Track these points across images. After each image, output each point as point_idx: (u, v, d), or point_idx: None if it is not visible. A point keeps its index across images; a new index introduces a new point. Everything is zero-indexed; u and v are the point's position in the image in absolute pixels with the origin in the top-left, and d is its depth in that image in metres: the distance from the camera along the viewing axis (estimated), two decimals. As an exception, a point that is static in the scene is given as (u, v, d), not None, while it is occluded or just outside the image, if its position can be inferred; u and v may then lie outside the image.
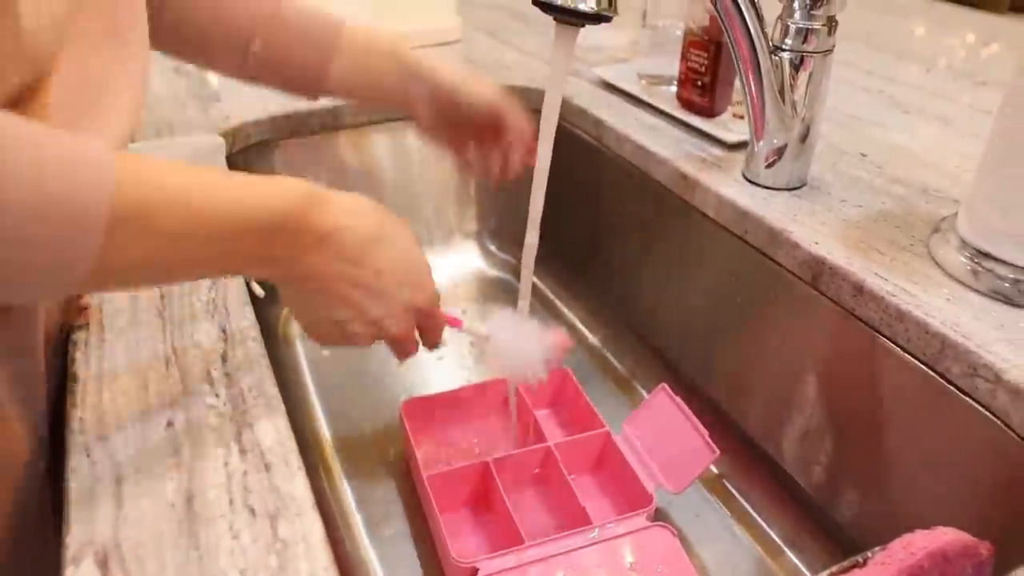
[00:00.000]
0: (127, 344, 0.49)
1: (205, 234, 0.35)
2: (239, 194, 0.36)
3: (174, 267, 0.36)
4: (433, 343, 0.50)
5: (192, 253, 0.35)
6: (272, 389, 0.46)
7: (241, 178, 0.38)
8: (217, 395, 0.45)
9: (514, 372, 0.55)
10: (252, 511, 0.38)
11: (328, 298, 0.42)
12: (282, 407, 0.45)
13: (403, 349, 0.48)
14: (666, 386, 0.65)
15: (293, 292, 0.43)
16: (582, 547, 0.55)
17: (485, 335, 0.55)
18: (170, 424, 0.43)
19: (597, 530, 0.56)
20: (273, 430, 0.43)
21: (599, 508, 0.63)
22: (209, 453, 0.41)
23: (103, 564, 0.35)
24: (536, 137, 0.53)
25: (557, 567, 0.53)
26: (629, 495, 0.63)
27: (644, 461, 0.63)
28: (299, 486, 0.39)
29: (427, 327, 0.49)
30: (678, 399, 0.63)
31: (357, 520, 0.64)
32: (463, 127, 0.64)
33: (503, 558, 0.53)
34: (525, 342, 0.55)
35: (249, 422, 0.43)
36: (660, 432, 0.64)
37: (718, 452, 0.59)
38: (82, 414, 0.44)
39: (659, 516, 0.63)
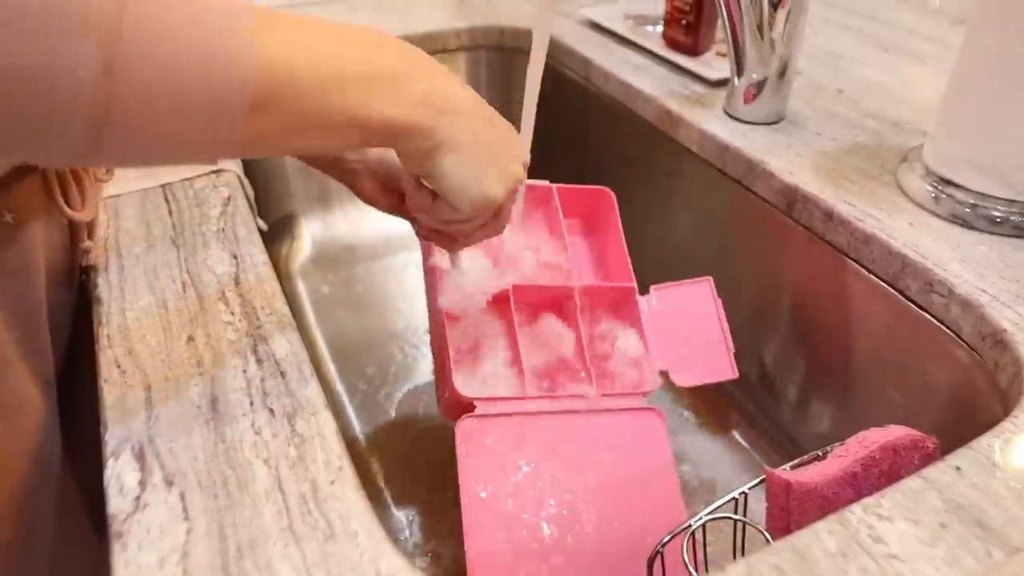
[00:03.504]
0: (144, 269, 0.53)
1: (332, 41, 0.36)
2: (365, 99, 0.37)
3: (312, 142, 0.38)
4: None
5: (325, 136, 0.37)
6: (283, 308, 0.49)
7: (368, 73, 0.37)
8: (232, 313, 0.49)
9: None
10: (271, 411, 0.42)
11: (482, 123, 0.42)
12: (293, 323, 0.48)
13: (504, 216, 0.49)
14: (711, 280, 0.63)
15: (456, 131, 0.41)
16: (576, 412, 0.55)
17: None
18: (191, 339, 0.47)
19: (593, 399, 0.56)
20: (286, 343, 0.47)
21: (600, 371, 0.60)
22: (228, 363, 0.45)
23: (140, 456, 0.39)
24: None
25: (550, 427, 0.54)
26: (629, 365, 0.60)
27: (658, 337, 0.61)
28: (312, 390, 0.43)
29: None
30: (719, 301, 0.62)
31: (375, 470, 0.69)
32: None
33: (502, 403, 0.54)
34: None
35: (264, 336, 0.47)
36: (685, 320, 0.62)
37: (737, 375, 0.60)
38: (108, 331, 0.48)
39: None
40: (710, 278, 0.62)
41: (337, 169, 0.60)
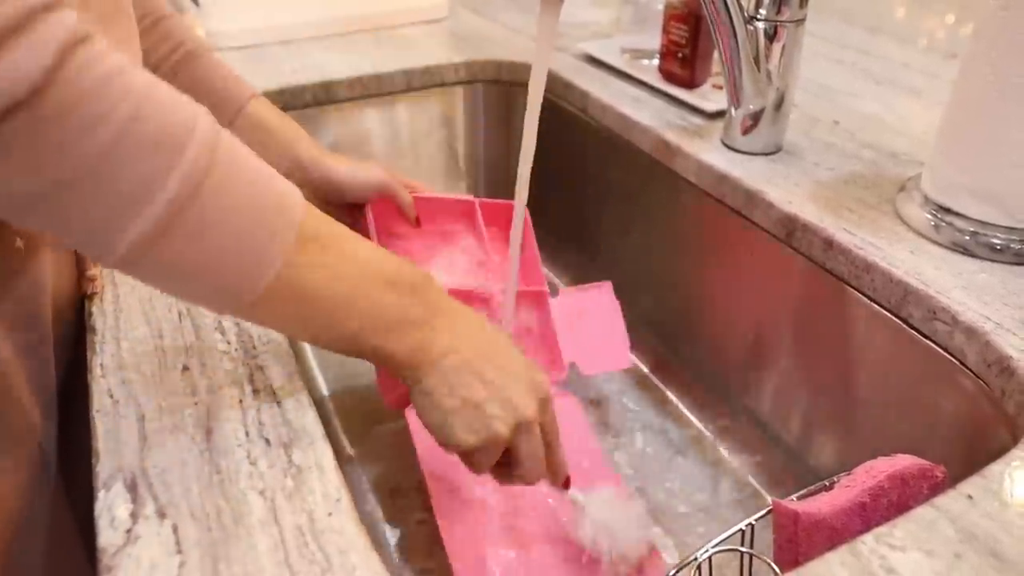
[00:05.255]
0: (140, 299, 0.52)
1: (357, 275, 0.40)
2: (364, 330, 0.40)
3: (305, 337, 0.41)
4: (552, 439, 0.47)
5: (318, 337, 0.41)
6: (281, 337, 0.49)
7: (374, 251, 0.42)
8: (228, 342, 0.48)
9: (607, 546, 0.55)
10: (267, 441, 0.41)
11: (466, 377, 0.42)
12: (291, 352, 0.48)
13: (533, 449, 0.45)
14: (611, 284, 0.73)
15: (431, 381, 0.42)
16: None
17: (581, 505, 0.55)
18: (186, 368, 0.46)
19: None
20: (283, 371, 0.46)
21: None
22: (224, 392, 0.44)
23: (132, 487, 0.38)
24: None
25: None
26: (544, 357, 0.68)
27: (566, 333, 0.68)
28: (309, 419, 0.43)
29: (545, 421, 0.46)
30: (617, 303, 0.72)
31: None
32: (351, 208, 0.65)
33: None
34: (622, 522, 0.55)
35: (260, 365, 0.46)
36: (590, 319, 0.70)
37: (629, 365, 0.71)
38: (102, 361, 0.47)
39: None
40: (610, 282, 0.73)
41: None
